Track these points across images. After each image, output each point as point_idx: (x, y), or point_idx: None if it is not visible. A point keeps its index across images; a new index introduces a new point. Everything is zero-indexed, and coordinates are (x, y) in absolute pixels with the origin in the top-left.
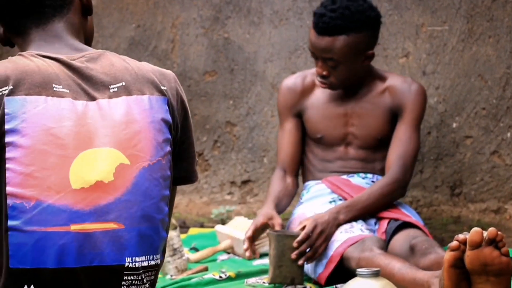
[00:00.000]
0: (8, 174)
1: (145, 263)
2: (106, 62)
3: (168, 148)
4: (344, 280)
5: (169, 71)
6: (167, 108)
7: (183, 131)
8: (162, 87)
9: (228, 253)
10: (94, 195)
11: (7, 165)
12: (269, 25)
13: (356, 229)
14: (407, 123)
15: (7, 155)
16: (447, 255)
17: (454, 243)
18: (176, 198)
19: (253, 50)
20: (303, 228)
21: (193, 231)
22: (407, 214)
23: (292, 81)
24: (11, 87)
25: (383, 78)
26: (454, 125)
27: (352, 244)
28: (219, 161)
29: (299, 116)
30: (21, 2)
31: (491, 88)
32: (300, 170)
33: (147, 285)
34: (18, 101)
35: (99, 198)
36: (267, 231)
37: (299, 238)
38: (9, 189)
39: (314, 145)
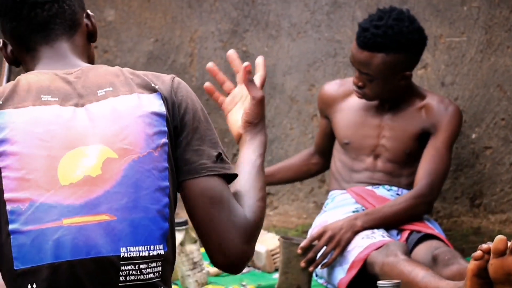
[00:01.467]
0: (4, 182)
1: (145, 253)
2: (100, 70)
3: (163, 140)
4: (366, 286)
5: (169, 75)
6: (161, 102)
7: (183, 125)
8: (154, 85)
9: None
10: (83, 189)
11: (2, 174)
12: (287, 38)
13: (378, 235)
14: (440, 142)
15: (1, 164)
16: (471, 265)
17: (478, 253)
18: None
19: (271, 63)
20: (318, 234)
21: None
22: (430, 226)
23: (327, 87)
24: (0, 102)
25: (422, 96)
26: (474, 136)
27: (375, 250)
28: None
29: (328, 119)
30: (35, 19)
31: (510, 99)
32: (327, 178)
33: (151, 275)
34: (6, 113)
35: (88, 191)
36: (278, 238)
37: (302, 244)
38: (6, 195)
39: (343, 153)
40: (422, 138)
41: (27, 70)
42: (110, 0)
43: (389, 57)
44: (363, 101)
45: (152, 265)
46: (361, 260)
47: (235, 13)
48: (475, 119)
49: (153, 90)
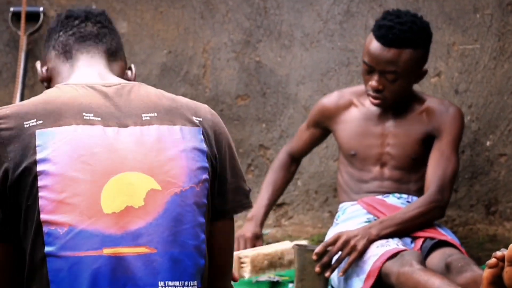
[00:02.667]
0: (41, 202)
1: None
2: (142, 92)
3: (205, 176)
4: None
5: (204, 105)
6: (202, 137)
7: (220, 161)
8: (196, 119)
9: None
10: (125, 219)
11: (40, 193)
12: (300, 47)
13: (392, 244)
14: (445, 144)
15: (39, 183)
16: (486, 273)
17: (492, 260)
18: None
19: (285, 73)
20: (334, 239)
21: None
22: (443, 233)
23: (327, 99)
24: (41, 121)
25: (421, 100)
26: (488, 143)
27: (390, 258)
28: (253, 184)
29: (325, 130)
30: (84, 30)
31: None
32: (336, 191)
33: None
34: (49, 132)
35: (130, 222)
36: (292, 245)
37: (316, 250)
38: (43, 216)
39: (350, 165)
40: (427, 142)
41: (60, 82)
42: (122, 13)
43: (416, 52)
44: (364, 111)
45: None
46: (377, 269)
47: (247, 24)
48: (490, 126)
49: (195, 125)
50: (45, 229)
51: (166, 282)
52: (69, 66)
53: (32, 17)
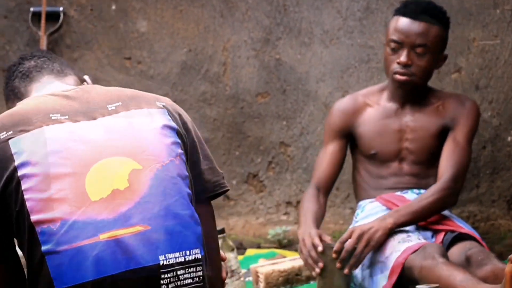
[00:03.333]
0: (29, 204)
1: (181, 259)
2: (101, 90)
3: (179, 150)
4: None
5: (166, 98)
6: (169, 117)
7: (190, 142)
8: (159, 103)
9: None
10: (114, 203)
11: (25, 196)
12: (320, 45)
13: (414, 238)
14: (460, 135)
15: (23, 187)
16: (508, 267)
17: None
18: (232, 220)
19: (304, 70)
20: (348, 235)
21: (250, 252)
22: (462, 226)
23: (342, 103)
24: (10, 131)
25: (437, 95)
26: (509, 138)
27: (413, 253)
28: (274, 181)
29: (348, 137)
30: (22, 68)
31: None
32: (353, 189)
33: (189, 281)
34: (21, 139)
35: (119, 205)
36: (324, 245)
37: (334, 248)
38: (33, 217)
39: (368, 162)
40: (444, 135)
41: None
42: (142, 11)
43: (441, 30)
44: (381, 109)
45: (190, 270)
46: (400, 264)
47: (267, 21)
48: (511, 121)
49: (159, 107)
50: (38, 229)
51: (166, 255)
52: (24, 99)
53: (52, 17)
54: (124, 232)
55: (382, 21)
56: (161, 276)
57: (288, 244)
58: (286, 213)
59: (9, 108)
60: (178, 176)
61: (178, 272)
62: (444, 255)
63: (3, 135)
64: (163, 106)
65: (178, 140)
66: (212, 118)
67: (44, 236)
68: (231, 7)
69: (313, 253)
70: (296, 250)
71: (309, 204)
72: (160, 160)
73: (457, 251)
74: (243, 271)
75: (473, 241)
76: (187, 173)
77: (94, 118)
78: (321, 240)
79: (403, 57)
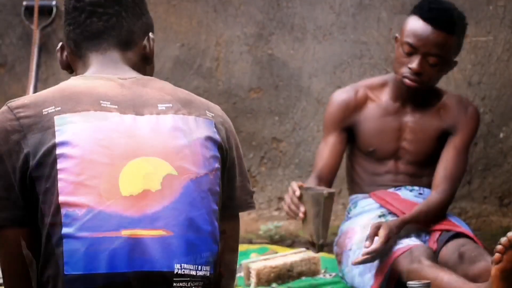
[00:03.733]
0: (60, 184)
1: (193, 272)
2: (157, 84)
3: (217, 165)
4: None
5: (216, 105)
6: (214, 129)
7: (230, 157)
8: (208, 113)
9: None
10: (143, 202)
11: (58, 176)
12: (313, 40)
13: (405, 241)
14: (459, 144)
15: (59, 166)
16: (493, 270)
17: (496, 256)
18: None
19: (297, 66)
20: (374, 233)
21: (241, 247)
22: (458, 224)
23: (345, 95)
24: (59, 107)
25: (439, 95)
26: (501, 135)
27: (401, 254)
28: (266, 177)
29: (347, 131)
30: (89, 27)
31: None
32: (346, 182)
33: None
34: (66, 117)
35: (147, 205)
36: (301, 191)
37: (371, 249)
38: (61, 198)
39: (364, 159)
40: (442, 138)
41: (77, 75)
42: None
43: (458, 40)
44: (381, 105)
45: (195, 284)
46: (387, 265)
47: (260, 17)
48: (503, 118)
49: (208, 117)
50: (63, 210)
51: (182, 265)
52: (82, 64)
53: (45, 11)
54: (146, 233)
55: (375, 17)
56: (173, 284)
57: (279, 239)
58: (278, 209)
59: (64, 45)
60: (209, 190)
61: (188, 284)
62: (431, 257)
63: (51, 109)
64: (212, 117)
65: (218, 155)
66: None
67: (68, 218)
68: (224, 2)
69: (295, 199)
70: (287, 246)
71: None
72: (195, 171)
73: (450, 248)
74: (239, 274)
75: (467, 239)
76: (218, 189)
77: (142, 114)
78: (301, 188)
79: (415, 65)
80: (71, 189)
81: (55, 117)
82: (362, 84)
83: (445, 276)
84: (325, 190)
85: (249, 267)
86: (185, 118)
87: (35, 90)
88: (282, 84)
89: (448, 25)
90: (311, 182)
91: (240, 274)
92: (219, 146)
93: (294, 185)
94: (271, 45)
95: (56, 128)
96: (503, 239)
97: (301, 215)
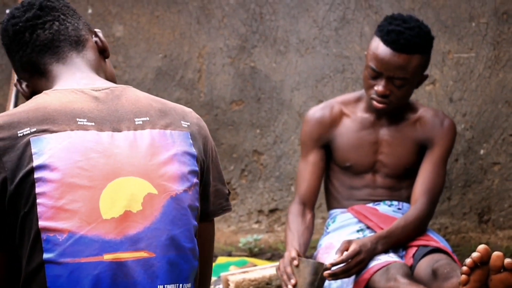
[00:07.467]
0: (39, 209)
1: None
2: (132, 96)
3: (195, 180)
4: None
5: (190, 109)
6: (191, 142)
7: (206, 165)
8: (184, 123)
9: None
10: (124, 224)
11: (38, 200)
12: (296, 53)
13: (383, 257)
14: (436, 158)
15: (37, 190)
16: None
17: (463, 277)
18: None
19: (279, 79)
20: (344, 249)
21: (221, 260)
22: (435, 239)
23: (319, 112)
24: (34, 128)
25: (414, 109)
26: (482, 151)
27: (377, 271)
28: (246, 189)
29: (325, 147)
30: (38, 41)
31: None
32: (325, 197)
33: None
34: (43, 139)
35: (129, 227)
36: (299, 259)
37: (337, 259)
38: (41, 223)
39: (341, 173)
40: (419, 151)
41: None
42: (118, 16)
43: (423, 57)
44: (357, 120)
45: None
46: (364, 280)
47: (243, 29)
48: (484, 135)
49: (183, 128)
50: (43, 235)
51: (165, 286)
52: (47, 80)
53: None
54: (128, 256)
55: (358, 32)
56: None
57: (259, 252)
58: (257, 222)
59: (22, 78)
60: (189, 207)
61: None
62: (407, 274)
63: (26, 130)
64: (188, 126)
65: (196, 168)
66: None
67: (48, 244)
68: (207, 14)
69: (288, 269)
70: (267, 259)
71: (294, 225)
72: (174, 189)
73: (425, 264)
74: (214, 278)
75: (442, 254)
76: (197, 205)
77: (120, 130)
78: (299, 256)
79: (381, 88)
80: (51, 214)
81: (31, 139)
82: (337, 100)
83: None
84: (324, 263)
85: (228, 280)
86: (161, 132)
87: (17, 98)
88: (264, 96)
89: (409, 47)
90: (296, 211)
91: (219, 287)
92: (196, 159)
93: (294, 253)
94: (253, 58)
95: (33, 151)
96: (468, 260)
97: (290, 287)
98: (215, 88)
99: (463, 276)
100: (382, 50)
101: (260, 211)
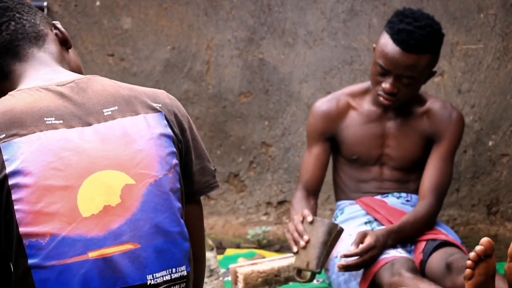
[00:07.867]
0: (18, 215)
1: (167, 277)
2: (98, 86)
3: (175, 161)
4: None
5: (161, 90)
6: (166, 122)
7: (184, 144)
8: (156, 105)
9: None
10: (105, 219)
11: (15, 207)
12: (304, 45)
13: (392, 251)
14: (444, 151)
15: (14, 197)
16: (467, 286)
17: (467, 271)
18: (212, 219)
19: (288, 71)
20: (359, 241)
21: (229, 252)
22: (444, 232)
23: (326, 105)
24: (3, 134)
25: (422, 101)
26: (490, 143)
27: (384, 265)
28: (254, 181)
29: (330, 140)
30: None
31: None
32: (333, 189)
33: None
34: (13, 144)
35: (110, 221)
36: (314, 218)
37: (352, 251)
38: (22, 229)
39: (348, 165)
40: (426, 144)
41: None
42: (126, 8)
43: (432, 56)
44: (364, 113)
45: (175, 287)
46: (372, 273)
47: (251, 21)
48: (492, 126)
49: (156, 110)
50: (25, 241)
51: (154, 274)
52: (12, 82)
53: None
54: (113, 250)
55: (366, 23)
56: None
57: (267, 244)
58: (266, 214)
59: None
60: (170, 190)
61: None
62: (413, 269)
63: None
64: (160, 107)
65: (174, 149)
66: (194, 117)
67: (31, 249)
68: (215, 6)
69: (300, 227)
70: (275, 251)
71: (299, 205)
72: (153, 175)
73: (438, 257)
74: (222, 270)
75: (454, 248)
76: (179, 186)
77: (89, 124)
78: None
79: (388, 85)
80: (30, 219)
81: (1, 146)
82: (344, 92)
83: (425, 286)
84: (339, 225)
85: (236, 272)
86: (133, 119)
87: None
88: (272, 88)
89: (418, 47)
90: (300, 196)
91: (227, 278)
92: (173, 140)
93: (307, 211)
94: (261, 50)
95: (4, 158)
96: (472, 254)
97: (303, 243)
98: (223, 80)
99: (468, 270)
100: (391, 49)
101: (269, 203)
